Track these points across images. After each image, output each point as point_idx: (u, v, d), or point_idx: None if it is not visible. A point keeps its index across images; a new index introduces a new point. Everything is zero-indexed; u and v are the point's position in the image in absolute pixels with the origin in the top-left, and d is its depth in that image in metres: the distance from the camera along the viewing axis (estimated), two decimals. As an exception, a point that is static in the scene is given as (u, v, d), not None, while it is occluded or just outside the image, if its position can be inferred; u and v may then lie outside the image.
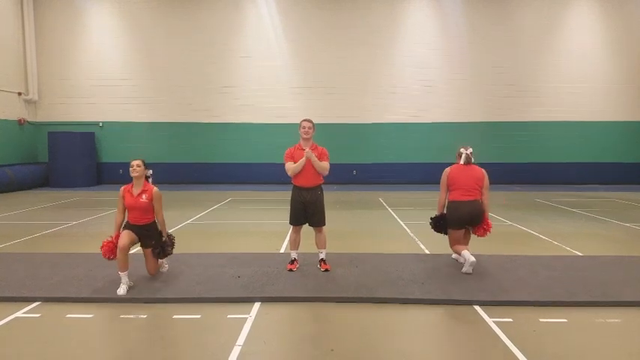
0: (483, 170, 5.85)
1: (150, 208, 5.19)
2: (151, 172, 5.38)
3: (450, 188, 5.82)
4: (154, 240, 5.24)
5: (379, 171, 17.73)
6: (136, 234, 5.16)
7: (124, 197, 5.18)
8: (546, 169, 17.69)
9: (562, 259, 6.36)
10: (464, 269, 5.57)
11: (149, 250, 5.27)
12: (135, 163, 5.17)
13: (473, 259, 5.47)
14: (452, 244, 5.89)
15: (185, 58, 17.46)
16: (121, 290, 4.93)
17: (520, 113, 17.60)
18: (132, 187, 5.20)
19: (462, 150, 5.90)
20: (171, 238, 5.39)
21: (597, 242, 7.84)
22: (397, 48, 17.53)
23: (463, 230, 5.83)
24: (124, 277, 5.00)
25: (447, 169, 5.89)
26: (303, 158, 5.51)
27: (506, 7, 17.46)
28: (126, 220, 5.23)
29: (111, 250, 5.06)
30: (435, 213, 6.11)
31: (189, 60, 17.47)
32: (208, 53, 17.45)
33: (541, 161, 17.70)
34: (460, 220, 5.71)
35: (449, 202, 5.82)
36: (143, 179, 5.23)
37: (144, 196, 5.15)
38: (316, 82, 17.49)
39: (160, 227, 5.32)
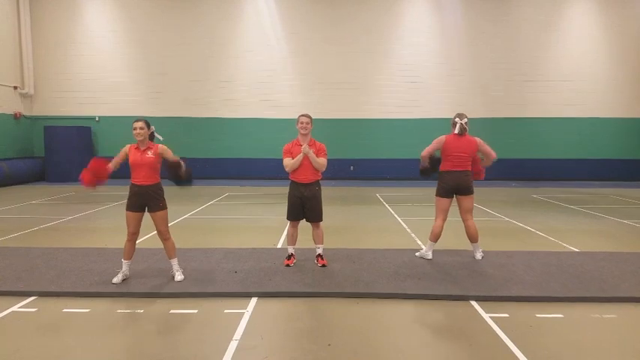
0: (477, 140, 5.89)
1: (156, 165, 5.01)
2: (153, 128, 5.14)
3: (442, 158, 5.93)
4: (161, 202, 5.07)
5: (377, 167, 17.72)
6: (143, 197, 4.96)
7: (128, 152, 4.98)
8: (543, 165, 17.72)
9: (558, 254, 6.38)
10: (418, 253, 6.11)
11: (158, 214, 5.06)
12: (138, 125, 4.90)
13: (429, 256, 5.98)
14: (436, 213, 6.01)
15: (182, 52, 17.38)
16: (117, 279, 4.98)
17: (518, 109, 17.62)
18: (137, 146, 5.02)
19: (456, 119, 5.87)
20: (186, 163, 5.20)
21: (593, 238, 7.87)
22: (396, 43, 17.48)
23: (449, 201, 5.93)
24: (125, 265, 5.06)
25: (443, 137, 5.90)
26: (301, 154, 5.50)
27: (506, 2, 17.43)
28: (130, 187, 5.03)
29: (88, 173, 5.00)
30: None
31: (187, 54, 17.39)
32: (206, 48, 17.37)
33: (538, 157, 17.73)
34: (446, 188, 5.87)
35: (440, 171, 5.96)
36: (147, 140, 5.01)
37: (149, 152, 4.95)
38: (314, 77, 17.45)
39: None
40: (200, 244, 7.00)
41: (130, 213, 5.00)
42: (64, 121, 17.25)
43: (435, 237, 5.99)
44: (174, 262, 5.24)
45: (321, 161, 5.58)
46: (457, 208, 6.04)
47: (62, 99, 17.52)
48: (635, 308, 4.55)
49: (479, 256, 6.01)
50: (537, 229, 8.42)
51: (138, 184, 4.98)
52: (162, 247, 5.30)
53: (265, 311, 4.46)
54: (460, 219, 6.05)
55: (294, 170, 5.60)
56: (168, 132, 17.99)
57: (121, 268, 5.12)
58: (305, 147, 5.48)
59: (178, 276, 5.17)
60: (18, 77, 16.91)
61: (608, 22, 17.42)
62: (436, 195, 6.02)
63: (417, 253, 6.17)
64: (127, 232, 5.05)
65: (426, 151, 5.99)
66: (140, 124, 4.94)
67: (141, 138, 4.93)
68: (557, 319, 4.28)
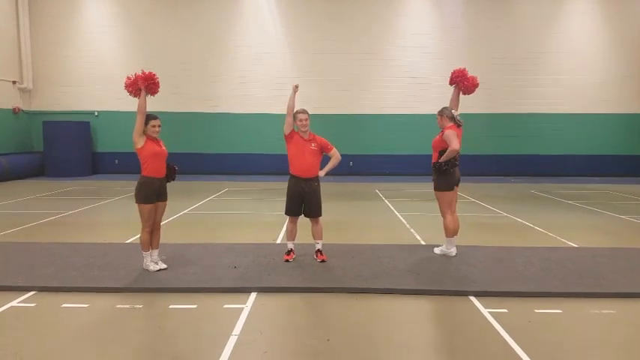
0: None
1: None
2: None
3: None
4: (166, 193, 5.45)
5: (376, 162, 17.70)
6: (159, 189, 5.26)
7: (146, 141, 5.21)
8: (542, 160, 17.71)
9: (557, 250, 6.40)
10: (439, 250, 6.01)
11: (164, 204, 5.40)
12: (157, 123, 5.30)
13: (453, 253, 5.87)
14: (445, 209, 5.88)
15: (181, 47, 17.30)
16: (153, 267, 5.27)
17: (517, 105, 17.58)
18: (153, 139, 5.34)
19: (454, 112, 6.17)
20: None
21: (592, 234, 7.88)
22: (395, 40, 17.41)
23: (454, 193, 5.94)
24: (151, 255, 5.32)
25: (454, 131, 5.93)
26: (292, 92, 5.73)
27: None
28: (145, 180, 5.20)
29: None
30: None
31: (186, 49, 17.32)
32: (205, 43, 17.30)
33: (537, 153, 17.72)
34: (450, 182, 5.85)
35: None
36: None
37: (162, 144, 5.38)
38: (314, 72, 17.37)
39: None
40: (199, 239, 7.00)
41: (150, 206, 5.20)
42: (63, 115, 17.18)
43: (453, 232, 5.88)
44: (157, 252, 5.47)
45: (336, 154, 5.84)
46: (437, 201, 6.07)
47: (61, 94, 17.44)
48: (634, 304, 4.56)
49: (454, 251, 5.95)
50: (536, 225, 8.43)
51: (157, 176, 5.25)
52: (161, 243, 5.38)
53: (264, 306, 4.46)
54: (460, 216, 6.07)
55: (295, 165, 5.60)
56: (166, 127, 17.94)
57: (149, 259, 5.31)
58: (294, 87, 5.80)
59: (161, 264, 5.38)
60: (16, 72, 16.84)
61: (608, 18, 17.36)
62: (441, 190, 5.87)
63: (436, 250, 6.07)
64: (145, 226, 5.20)
65: (459, 144, 5.80)
66: (159, 121, 5.34)
67: (156, 135, 5.31)
68: (556, 314, 4.29)
